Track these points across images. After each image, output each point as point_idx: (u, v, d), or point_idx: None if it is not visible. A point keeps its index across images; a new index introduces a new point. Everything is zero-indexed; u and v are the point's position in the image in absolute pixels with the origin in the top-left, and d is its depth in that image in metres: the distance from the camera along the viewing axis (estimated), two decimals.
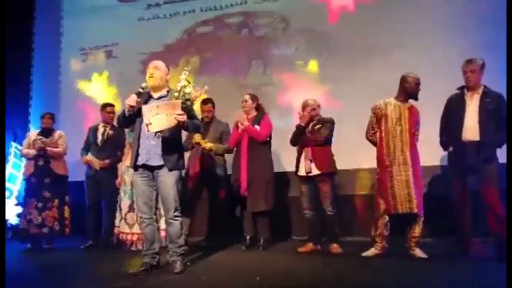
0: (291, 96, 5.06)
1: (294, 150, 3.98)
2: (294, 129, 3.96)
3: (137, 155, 3.05)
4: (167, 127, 2.93)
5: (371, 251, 3.47)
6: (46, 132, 4.67)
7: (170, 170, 3.03)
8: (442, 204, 3.72)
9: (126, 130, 4.47)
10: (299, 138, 3.89)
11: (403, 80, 3.50)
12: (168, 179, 3.03)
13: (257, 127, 4.08)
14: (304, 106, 3.94)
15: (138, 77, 5.62)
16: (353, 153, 4.38)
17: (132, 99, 2.99)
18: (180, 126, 2.98)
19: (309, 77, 5.09)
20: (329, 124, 3.84)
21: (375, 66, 4.71)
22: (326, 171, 3.75)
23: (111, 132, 4.68)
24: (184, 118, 2.92)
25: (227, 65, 5.41)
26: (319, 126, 3.83)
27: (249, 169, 3.99)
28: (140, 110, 3.00)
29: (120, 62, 5.91)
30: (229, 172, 4.28)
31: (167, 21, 5.81)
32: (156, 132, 2.96)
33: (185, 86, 2.97)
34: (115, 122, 4.70)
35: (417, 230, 3.34)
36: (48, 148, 4.55)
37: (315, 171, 3.75)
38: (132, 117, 3.07)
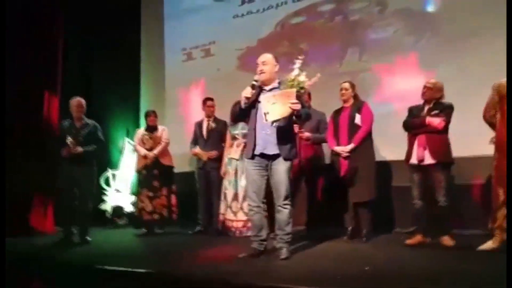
0: (390, 81, 4.84)
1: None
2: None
3: (254, 145, 3.17)
4: (283, 116, 2.99)
5: (488, 245, 3.19)
6: (151, 128, 5.05)
7: (285, 159, 3.11)
8: None
9: (228, 122, 4.72)
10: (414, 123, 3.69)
11: None
12: (282, 168, 3.12)
13: (357, 115, 3.99)
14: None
15: (235, 72, 5.89)
16: (464, 140, 4.04)
17: (248, 91, 3.12)
18: (294, 114, 3.02)
19: (409, 61, 4.82)
20: (448, 109, 3.56)
21: (478, 48, 4.31)
22: (442, 161, 3.52)
23: (213, 124, 4.93)
24: (299, 106, 2.97)
25: (321, 54, 5.34)
26: (436, 111, 3.58)
27: (350, 159, 3.93)
28: (254, 102, 3.13)
29: (218, 59, 6.13)
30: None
31: (261, 16, 5.88)
32: (273, 122, 3.03)
33: (298, 75, 3.00)
34: (216, 115, 5.00)
35: None
36: (154, 152, 4.89)
37: (429, 160, 3.53)
38: (248, 109, 3.20)
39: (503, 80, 3.22)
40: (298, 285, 2.35)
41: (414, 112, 3.74)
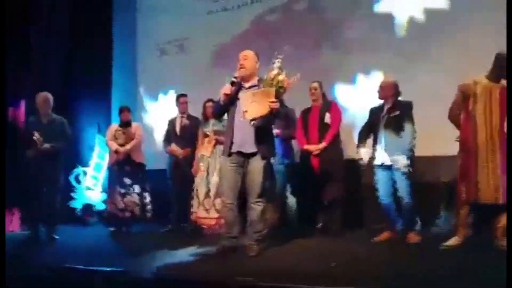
0: (362, 80, 4.90)
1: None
2: (366, 114, 3.86)
3: (231, 142, 3.17)
4: (262, 114, 3.00)
5: (452, 241, 3.28)
6: (125, 124, 4.97)
7: (262, 158, 3.13)
8: None
9: (201, 119, 4.70)
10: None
11: (500, 58, 3.15)
12: (258, 165, 3.15)
13: (326, 114, 4.06)
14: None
15: (209, 69, 5.85)
16: (431, 138, 4.15)
17: (227, 88, 3.12)
18: (273, 113, 3.03)
19: (380, 60, 4.89)
20: (407, 107, 3.62)
21: (449, 45, 4.43)
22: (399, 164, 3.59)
23: (187, 121, 4.88)
24: (277, 105, 2.99)
25: (296, 52, 5.35)
26: (396, 112, 3.63)
27: (321, 157, 3.99)
28: (232, 99, 3.13)
29: (192, 56, 6.09)
30: None
31: (236, 12, 5.87)
32: (251, 120, 3.04)
33: (278, 74, 3.01)
34: (190, 112, 4.97)
35: (503, 220, 3.09)
36: (127, 147, 4.81)
37: (389, 162, 3.62)
38: (227, 105, 3.21)
39: (469, 80, 3.30)
40: (266, 281, 2.38)
41: (374, 112, 3.82)
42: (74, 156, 5.88)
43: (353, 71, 5.00)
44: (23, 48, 5.45)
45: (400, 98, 3.74)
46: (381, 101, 3.79)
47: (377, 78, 4.48)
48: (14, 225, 5.10)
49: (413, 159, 3.60)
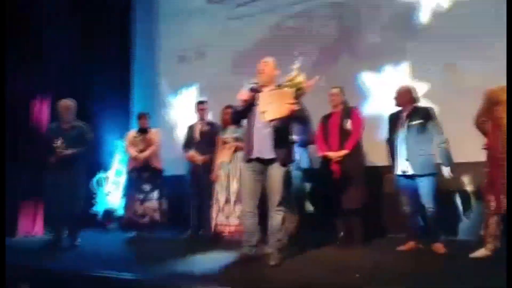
0: (380, 87, 4.84)
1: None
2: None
3: (250, 149, 3.15)
4: (281, 116, 2.96)
5: (481, 252, 3.16)
6: (143, 130, 5.00)
7: (282, 164, 3.10)
8: None
9: (220, 126, 4.69)
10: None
11: None
12: (278, 173, 3.11)
13: (347, 120, 4.00)
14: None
15: (229, 75, 5.85)
16: (456, 145, 4.04)
17: (245, 93, 3.12)
18: (292, 116, 2.99)
19: (400, 67, 4.82)
20: (427, 114, 3.56)
21: (473, 54, 4.33)
22: (423, 173, 3.52)
23: (206, 127, 4.87)
24: (296, 107, 2.95)
25: (315, 58, 5.32)
26: (419, 121, 3.57)
27: (342, 164, 3.92)
28: (251, 105, 3.12)
29: (211, 62, 6.09)
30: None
31: (256, 19, 5.86)
32: (270, 121, 3.00)
33: (297, 75, 2.97)
34: (209, 118, 4.97)
35: None
36: (145, 154, 4.83)
37: (411, 171, 3.55)
38: (245, 112, 3.19)
39: (495, 87, 3.22)
40: None
41: (392, 119, 3.78)
42: (96, 162, 5.93)
43: (373, 75, 4.93)
44: (41, 53, 5.52)
45: (419, 104, 3.69)
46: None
47: (397, 84, 4.39)
48: (38, 229, 5.18)
49: (453, 165, 3.53)
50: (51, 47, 5.61)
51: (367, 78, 5.01)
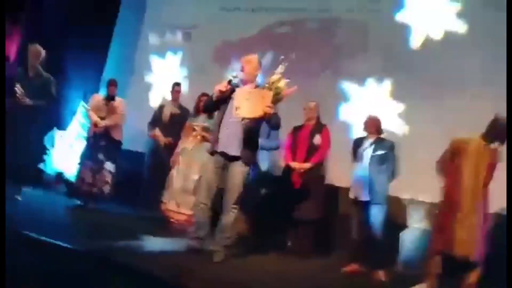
0: (355, 111, 4.89)
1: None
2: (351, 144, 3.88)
3: (217, 141, 3.09)
4: (254, 115, 2.92)
5: (419, 287, 3.26)
6: (110, 98, 4.79)
7: (244, 163, 3.05)
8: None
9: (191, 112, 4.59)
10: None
11: (496, 121, 3.19)
12: (239, 171, 3.07)
13: (316, 135, 4.05)
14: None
15: (209, 63, 5.75)
16: (411, 181, 4.17)
17: (223, 85, 3.06)
18: (265, 118, 2.96)
19: (380, 96, 4.91)
20: (392, 149, 3.68)
21: (450, 99, 4.44)
22: (376, 200, 3.61)
23: (177, 110, 4.77)
24: (272, 110, 2.91)
25: (298, 69, 5.31)
26: (382, 152, 3.65)
27: (304, 176, 3.95)
28: (226, 98, 3.06)
29: (195, 46, 5.98)
30: None
31: (248, 14, 5.80)
32: (243, 118, 2.96)
33: (279, 80, 2.94)
34: (181, 102, 4.86)
35: (473, 277, 3.10)
36: (106, 122, 4.65)
37: (364, 198, 3.64)
38: (219, 103, 3.14)
39: (462, 136, 3.33)
40: None
41: (356, 144, 3.86)
42: (54, 118, 5.62)
43: (349, 97, 5.01)
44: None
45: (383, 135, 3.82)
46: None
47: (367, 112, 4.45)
48: None
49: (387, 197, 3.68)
50: None
51: (345, 97, 5.07)
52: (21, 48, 5.03)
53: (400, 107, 4.72)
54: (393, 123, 4.59)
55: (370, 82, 4.94)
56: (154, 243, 3.25)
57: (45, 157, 5.59)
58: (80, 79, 6.11)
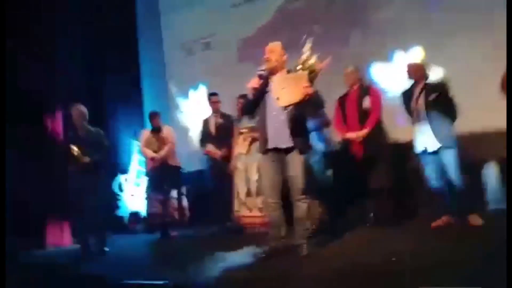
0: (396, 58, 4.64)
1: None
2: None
3: (266, 139, 3.05)
4: (295, 100, 2.83)
5: None
6: (156, 129, 4.95)
7: (300, 152, 2.99)
8: None
9: (235, 117, 4.60)
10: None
11: None
12: (297, 161, 3.00)
13: (365, 98, 3.87)
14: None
15: (237, 64, 5.71)
16: (473, 113, 3.85)
17: (255, 82, 3.01)
18: (307, 99, 2.86)
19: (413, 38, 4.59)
20: (443, 88, 3.44)
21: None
22: (446, 146, 3.41)
23: (221, 120, 4.79)
24: (311, 90, 2.81)
25: (324, 38, 5.12)
26: (435, 94, 3.43)
27: (365, 144, 3.79)
28: (262, 93, 3.01)
29: (218, 52, 5.96)
30: None
31: (259, 3, 5.70)
32: (285, 107, 2.89)
33: (309, 58, 2.84)
34: (223, 109, 4.87)
35: None
36: (161, 153, 4.80)
37: (433, 147, 3.44)
38: (257, 100, 3.08)
39: None
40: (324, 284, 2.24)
41: (406, 95, 3.67)
42: (115, 165, 5.91)
43: (386, 52, 4.72)
44: (50, 58, 5.46)
45: (431, 79, 3.58)
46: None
47: (411, 56, 4.21)
48: (65, 239, 5.18)
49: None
50: (60, 55, 5.55)
51: (381, 55, 4.80)
52: (63, 114, 5.28)
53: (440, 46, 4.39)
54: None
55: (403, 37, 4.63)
56: (239, 255, 3.26)
57: (118, 203, 5.89)
58: (125, 121, 6.36)
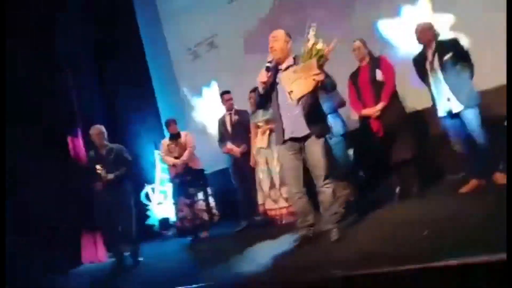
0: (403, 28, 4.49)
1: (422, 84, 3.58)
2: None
3: (282, 129, 3.03)
4: (308, 90, 2.80)
5: None
6: (174, 136, 5.02)
7: (317, 137, 2.94)
8: None
9: (249, 111, 4.59)
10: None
11: None
12: (316, 147, 2.97)
13: (377, 71, 3.77)
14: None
15: (244, 58, 5.68)
16: (489, 70, 3.69)
17: (263, 76, 2.98)
18: (319, 87, 2.83)
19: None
20: (458, 46, 3.34)
21: None
22: (468, 106, 3.31)
23: (236, 117, 4.81)
24: (322, 77, 2.77)
25: (327, 17, 5.03)
26: (447, 55, 3.32)
27: (383, 118, 3.71)
28: (272, 85, 2.99)
29: (224, 49, 5.96)
30: None
31: None
32: (299, 99, 2.86)
33: (315, 44, 2.79)
34: (236, 105, 4.87)
35: None
36: (183, 159, 4.87)
37: (456, 108, 3.34)
38: (268, 93, 3.07)
39: None
40: (361, 268, 2.20)
41: (418, 61, 3.56)
42: (139, 177, 6.00)
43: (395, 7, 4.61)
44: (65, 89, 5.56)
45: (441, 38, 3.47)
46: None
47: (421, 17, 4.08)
48: (100, 255, 5.30)
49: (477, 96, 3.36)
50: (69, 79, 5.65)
51: (387, 23, 4.69)
52: (83, 136, 5.37)
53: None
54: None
55: None
56: (271, 248, 3.25)
57: (147, 212, 6.00)
58: (144, 131, 6.43)
